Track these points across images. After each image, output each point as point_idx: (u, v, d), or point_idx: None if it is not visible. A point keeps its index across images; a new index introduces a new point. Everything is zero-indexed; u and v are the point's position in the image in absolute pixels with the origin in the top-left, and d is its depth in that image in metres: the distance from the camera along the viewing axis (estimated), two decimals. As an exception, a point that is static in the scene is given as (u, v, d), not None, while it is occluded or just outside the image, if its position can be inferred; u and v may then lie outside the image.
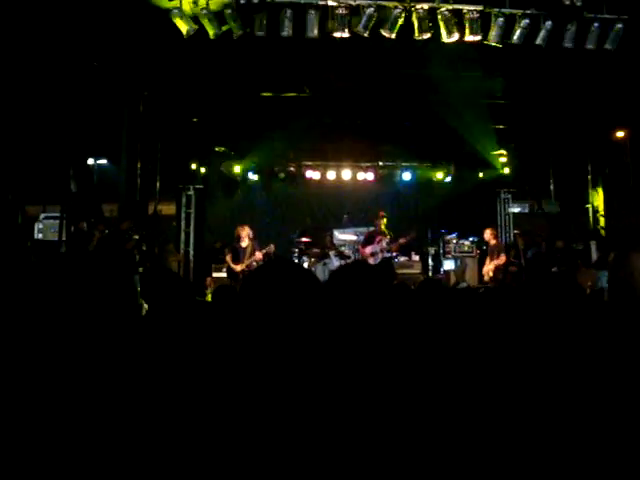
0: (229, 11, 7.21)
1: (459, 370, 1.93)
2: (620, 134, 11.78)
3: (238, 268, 9.15)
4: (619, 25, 7.58)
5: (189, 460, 1.35)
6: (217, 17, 7.35)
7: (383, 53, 8.77)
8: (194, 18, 7.34)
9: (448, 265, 11.54)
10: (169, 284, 3.02)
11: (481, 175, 13.19)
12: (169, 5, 7.29)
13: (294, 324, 1.70)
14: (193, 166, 12.49)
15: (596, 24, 7.66)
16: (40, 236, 9.88)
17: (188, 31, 7.39)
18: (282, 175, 12.64)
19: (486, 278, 9.68)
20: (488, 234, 9.95)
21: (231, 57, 8.89)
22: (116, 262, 7.38)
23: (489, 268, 9.65)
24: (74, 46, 8.08)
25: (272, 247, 9.73)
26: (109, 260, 7.24)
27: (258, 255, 9.21)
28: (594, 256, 10.17)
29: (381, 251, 9.92)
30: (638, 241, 9.13)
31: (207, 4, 7.23)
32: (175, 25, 7.43)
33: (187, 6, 7.25)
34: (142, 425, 1.42)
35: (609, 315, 2.19)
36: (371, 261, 9.82)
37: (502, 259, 9.62)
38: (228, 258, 9.48)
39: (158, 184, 11.65)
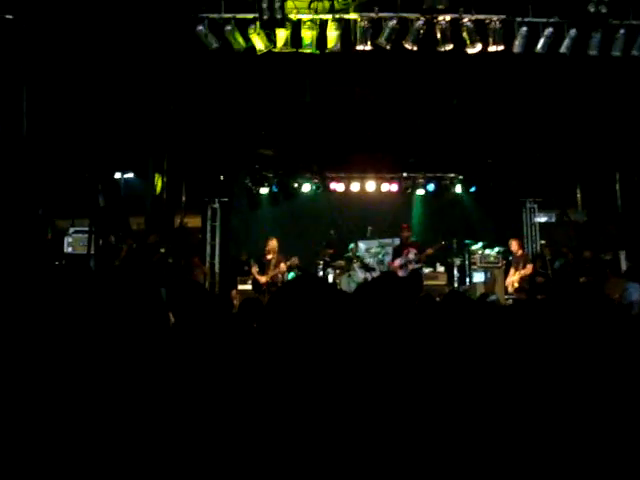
0: (252, 27, 7.31)
1: (483, 382, 1.92)
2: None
3: (262, 279, 9.22)
4: (646, 31, 7.50)
5: (209, 468, 1.37)
6: (242, 33, 7.47)
7: (407, 64, 8.79)
8: (219, 34, 7.46)
9: (477, 277, 11.41)
10: (196, 297, 3.06)
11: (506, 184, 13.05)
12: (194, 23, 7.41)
13: (320, 338, 1.71)
14: (219, 179, 12.61)
15: (622, 30, 7.57)
16: (70, 250, 10.06)
17: (213, 47, 7.52)
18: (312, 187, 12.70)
19: (510, 289, 9.59)
20: (514, 244, 9.89)
21: (255, 71, 9.00)
22: (143, 275, 7.48)
23: (514, 279, 9.57)
24: (102, 61, 8.26)
25: (295, 260, 9.81)
26: (136, 273, 7.34)
27: (282, 267, 9.29)
28: (623, 266, 9.98)
29: (409, 263, 9.90)
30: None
31: (231, 22, 7.33)
32: (201, 40, 7.57)
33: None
34: (166, 433, 1.44)
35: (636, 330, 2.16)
36: (400, 273, 9.82)
37: (528, 269, 9.53)
38: (254, 270, 9.59)
39: (184, 197, 11.81)
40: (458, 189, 13.15)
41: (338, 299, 1.75)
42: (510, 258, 10.18)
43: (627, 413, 1.68)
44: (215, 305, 3.43)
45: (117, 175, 12.98)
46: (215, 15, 7.46)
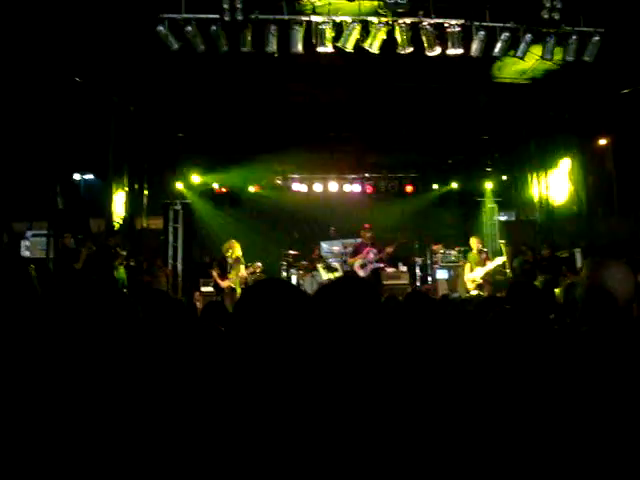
0: (214, 28, 7.27)
1: (448, 378, 1.97)
2: (602, 142, 11.97)
3: (224, 284, 9.15)
4: (596, 37, 7.73)
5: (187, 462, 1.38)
6: (202, 33, 7.41)
7: (367, 66, 8.89)
8: (180, 34, 7.39)
9: (441, 274, 11.59)
10: (159, 302, 3.04)
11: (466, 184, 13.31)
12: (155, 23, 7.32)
13: (285, 340, 1.74)
14: (180, 181, 12.50)
15: (574, 36, 7.80)
16: (27, 254, 9.82)
17: (174, 47, 7.45)
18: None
19: (470, 286, 9.73)
20: (476, 242, 10.07)
21: (217, 72, 8.96)
22: (104, 279, 7.37)
23: (475, 276, 9.72)
24: (60, 61, 8.11)
25: (259, 265, 9.78)
26: (97, 277, 7.23)
27: (243, 273, 9.24)
28: (579, 263, 10.29)
29: (370, 262, 10.01)
30: (619, 247, 9.29)
31: (192, 23, 7.27)
32: (161, 41, 7.48)
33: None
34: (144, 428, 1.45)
35: (581, 323, 2.25)
36: (361, 273, 9.92)
37: (500, 260, 9.77)
38: (215, 273, 9.49)
39: (145, 199, 11.67)
40: (419, 189, 13.33)
41: (304, 301, 1.78)
42: (467, 256, 10.33)
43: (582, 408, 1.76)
44: (178, 309, 3.41)
45: (76, 176, 12.73)
46: (176, 15, 7.38)
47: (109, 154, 10.22)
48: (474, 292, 9.62)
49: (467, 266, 10.07)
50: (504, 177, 13.30)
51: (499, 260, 9.92)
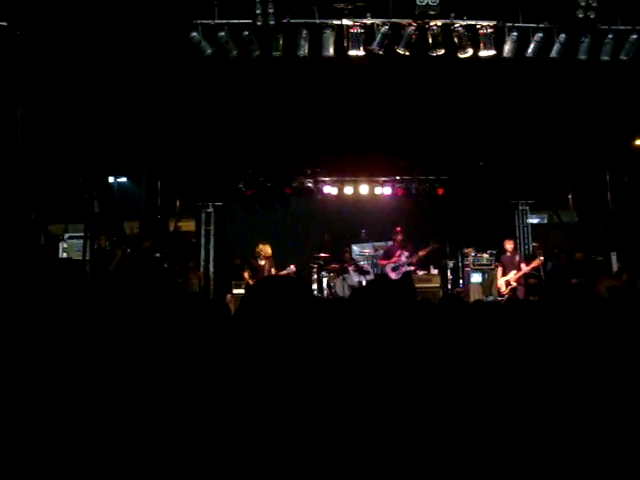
0: (247, 33, 7.35)
1: (481, 383, 1.96)
2: (639, 142, 11.72)
3: (258, 286, 9.23)
4: (634, 36, 7.58)
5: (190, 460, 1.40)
6: (235, 39, 7.51)
7: (400, 68, 8.87)
8: (213, 40, 7.50)
9: (475, 278, 11.46)
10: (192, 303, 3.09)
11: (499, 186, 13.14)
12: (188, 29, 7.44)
13: (317, 341, 1.76)
14: (213, 184, 12.63)
15: (610, 35, 7.67)
16: (65, 255, 10.06)
17: (207, 53, 7.56)
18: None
19: (504, 289, 9.61)
20: (510, 245, 9.94)
21: (249, 76, 9.04)
22: (138, 280, 7.50)
23: (509, 278, 9.60)
24: (96, 66, 8.29)
25: (292, 268, 9.85)
26: (132, 279, 7.37)
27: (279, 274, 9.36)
28: (614, 267, 10.09)
29: (402, 265, 9.99)
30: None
31: (225, 28, 7.35)
32: (195, 46, 7.60)
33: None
34: (163, 435, 1.47)
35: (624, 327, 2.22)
36: (393, 276, 9.92)
37: (536, 263, 9.64)
38: (246, 275, 9.61)
39: (178, 202, 11.83)
40: (451, 192, 13.22)
41: (308, 300, 1.78)
42: (501, 259, 10.20)
43: (619, 410, 1.74)
44: (211, 311, 3.46)
45: (110, 179, 12.99)
46: (209, 21, 7.49)
47: (144, 158, 10.39)
48: (506, 295, 9.52)
49: (499, 269, 9.96)
50: (536, 179, 13.09)
51: (536, 263, 9.75)
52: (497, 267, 10.26)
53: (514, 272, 9.60)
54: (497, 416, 1.72)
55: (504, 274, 9.74)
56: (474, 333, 3.18)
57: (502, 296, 9.55)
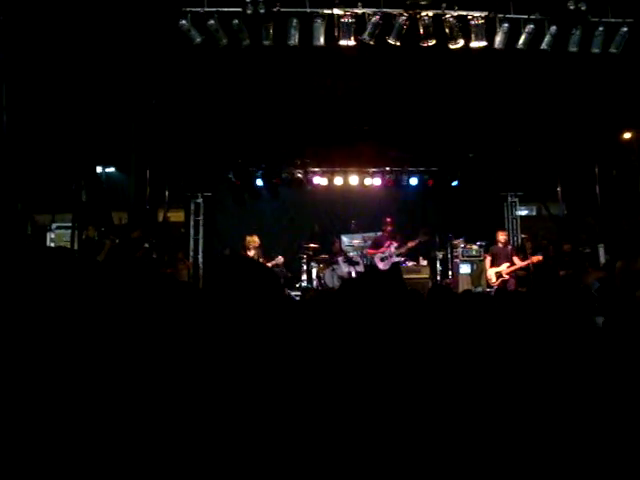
0: (236, 21, 7.29)
1: (471, 373, 1.96)
2: (627, 135, 11.80)
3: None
4: (624, 29, 7.61)
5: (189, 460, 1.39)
6: (225, 27, 7.44)
7: (390, 58, 8.85)
8: (202, 28, 7.43)
9: (464, 269, 11.49)
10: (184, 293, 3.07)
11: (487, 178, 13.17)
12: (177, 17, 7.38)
13: (306, 335, 1.74)
14: (202, 174, 12.55)
15: (601, 28, 7.69)
16: (52, 245, 9.98)
17: (196, 41, 7.49)
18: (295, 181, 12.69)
19: (495, 281, 9.58)
20: (503, 236, 9.91)
21: (238, 65, 8.97)
22: (128, 271, 7.44)
23: (501, 270, 9.56)
24: (83, 55, 8.19)
25: (281, 259, 9.85)
26: (121, 269, 7.30)
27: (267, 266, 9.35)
28: (602, 259, 10.17)
29: (390, 256, 10.00)
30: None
31: (215, 16, 7.30)
32: (184, 34, 7.53)
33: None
34: (165, 432, 1.46)
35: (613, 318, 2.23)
36: (381, 266, 9.94)
37: (535, 259, 9.60)
38: None
39: (167, 192, 11.76)
40: (441, 183, 13.23)
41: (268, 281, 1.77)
42: (491, 249, 10.17)
43: (608, 403, 1.74)
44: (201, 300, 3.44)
45: (98, 169, 12.88)
46: (198, 9, 7.41)
47: (132, 147, 10.31)
48: (496, 286, 9.53)
49: (488, 259, 9.93)
50: (525, 171, 13.13)
51: (535, 259, 9.64)
52: (485, 257, 10.22)
53: (506, 264, 9.56)
54: (487, 409, 1.72)
55: (493, 265, 9.68)
56: (463, 324, 3.19)
57: (491, 287, 9.56)
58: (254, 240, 9.80)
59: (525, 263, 9.57)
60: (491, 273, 9.65)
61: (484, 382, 1.86)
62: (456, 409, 1.61)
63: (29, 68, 7.84)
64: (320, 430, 1.42)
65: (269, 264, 9.59)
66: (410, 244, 10.10)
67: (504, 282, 9.42)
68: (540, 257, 9.75)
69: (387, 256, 10.05)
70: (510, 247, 10.03)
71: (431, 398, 1.60)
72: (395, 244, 10.07)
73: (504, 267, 9.53)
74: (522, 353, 2.37)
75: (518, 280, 9.65)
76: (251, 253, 9.70)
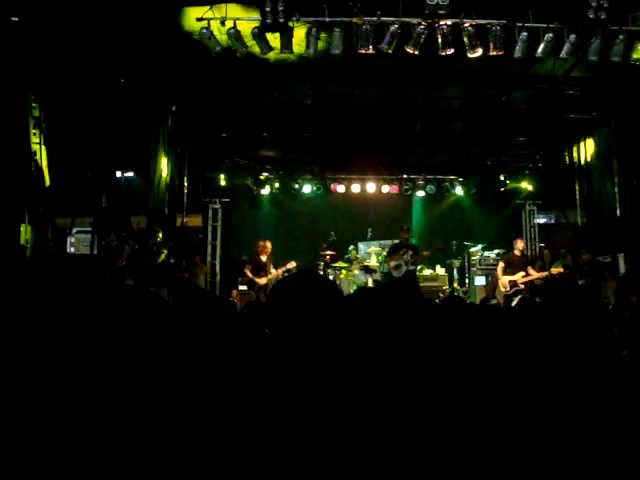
0: (255, 30, 7.36)
1: (484, 385, 1.97)
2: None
3: (263, 281, 9.34)
4: (645, 37, 7.54)
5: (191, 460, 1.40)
6: (244, 36, 7.52)
7: (407, 67, 8.87)
8: (221, 38, 7.51)
9: (479, 281, 11.41)
10: (200, 299, 3.11)
11: (506, 186, 13.10)
12: (196, 25, 7.49)
13: (320, 339, 1.76)
14: (220, 180, 12.65)
15: (621, 36, 7.62)
16: (72, 250, 10.10)
17: (216, 50, 7.58)
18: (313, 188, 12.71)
19: (509, 289, 9.50)
20: (522, 244, 9.85)
21: (258, 74, 9.06)
22: (147, 276, 7.54)
23: (515, 278, 9.49)
24: (106, 62, 8.32)
25: (293, 263, 9.90)
26: (140, 275, 7.40)
27: (275, 272, 9.45)
28: (622, 269, 10.04)
29: (405, 264, 9.99)
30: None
31: (234, 25, 7.39)
32: (203, 43, 7.63)
33: (215, 29, 7.44)
34: (167, 434, 1.48)
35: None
36: (395, 274, 9.92)
37: (548, 273, 9.55)
38: (247, 271, 9.74)
39: (185, 197, 11.86)
40: (458, 191, 13.20)
41: (334, 294, 1.78)
42: (507, 257, 10.10)
43: (622, 414, 1.74)
44: (219, 307, 3.48)
45: (117, 174, 13.03)
46: (219, 18, 7.50)
47: (151, 152, 10.43)
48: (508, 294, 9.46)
49: (500, 266, 9.85)
50: (544, 179, 13.04)
51: (547, 273, 9.60)
52: (498, 263, 10.18)
53: (522, 273, 9.49)
54: (498, 415, 1.73)
55: (507, 273, 9.62)
56: (477, 334, 3.18)
57: (505, 296, 9.49)
58: (267, 245, 9.92)
59: (543, 274, 9.50)
60: (505, 280, 9.58)
61: (492, 390, 1.87)
62: (460, 416, 1.62)
63: (52, 74, 7.99)
64: (326, 433, 1.44)
65: (280, 270, 9.67)
66: (425, 253, 10.11)
67: (518, 291, 9.36)
68: (561, 269, 9.68)
69: (401, 264, 10.04)
70: (527, 257, 9.95)
71: (436, 404, 1.62)
72: (410, 252, 10.06)
73: (519, 276, 9.47)
74: (534, 363, 2.37)
75: (534, 290, 9.57)
76: (264, 258, 9.81)
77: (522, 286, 9.43)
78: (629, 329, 2.81)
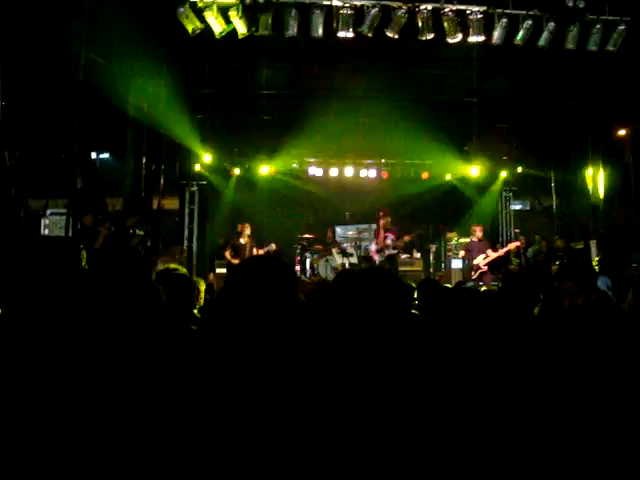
0: (234, 11, 7.26)
1: (460, 368, 1.99)
2: (621, 132, 11.85)
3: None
4: (621, 27, 7.63)
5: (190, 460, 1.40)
6: (222, 16, 7.40)
7: (388, 51, 8.85)
8: (200, 17, 7.39)
9: (456, 264, 11.54)
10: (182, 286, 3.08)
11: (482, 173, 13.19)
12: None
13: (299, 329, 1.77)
14: (195, 163, 12.51)
15: (598, 25, 7.70)
16: (47, 232, 9.93)
17: (194, 29, 7.46)
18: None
19: (474, 274, 9.67)
20: (480, 231, 10.01)
21: (236, 55, 8.95)
22: (124, 259, 7.46)
23: (479, 262, 9.64)
24: (77, 39, 8.14)
25: (273, 245, 9.91)
26: (117, 257, 7.32)
27: (260, 253, 9.43)
28: (594, 255, 10.24)
29: (386, 248, 10.06)
30: (635, 239, 9.24)
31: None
32: (181, 23, 7.50)
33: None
34: (162, 426, 1.46)
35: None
36: (376, 258, 9.99)
37: (509, 247, 9.76)
38: (227, 254, 9.73)
39: (162, 180, 11.72)
40: (434, 176, 13.22)
41: (290, 280, 1.77)
42: (466, 245, 10.34)
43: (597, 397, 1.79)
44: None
45: (92, 155, 12.81)
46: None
47: (127, 134, 10.28)
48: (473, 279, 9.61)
49: (461, 255, 10.27)
50: (520, 167, 13.15)
51: (509, 247, 9.87)
52: (459, 252, 10.51)
53: (482, 256, 9.66)
54: (474, 398, 1.75)
55: (470, 259, 9.85)
56: (452, 318, 3.22)
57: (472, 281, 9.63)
58: (246, 228, 9.91)
59: (503, 251, 9.72)
60: (479, 263, 9.77)
61: (474, 376, 1.90)
62: (448, 405, 1.64)
63: (25, 53, 7.79)
64: (318, 428, 1.44)
65: (261, 251, 9.68)
66: (406, 238, 10.22)
67: (482, 275, 9.52)
68: (518, 243, 9.92)
69: (382, 248, 10.10)
70: (485, 241, 10.05)
71: (423, 394, 1.64)
72: (392, 236, 10.13)
73: (480, 259, 9.62)
74: (507, 344, 2.42)
75: (510, 274, 9.72)
76: (243, 241, 9.80)
77: (485, 268, 9.56)
78: (568, 317, 2.88)
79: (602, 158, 11.62)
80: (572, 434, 1.70)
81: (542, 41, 7.68)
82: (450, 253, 11.72)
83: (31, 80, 8.21)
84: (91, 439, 1.40)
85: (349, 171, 12.82)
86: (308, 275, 11.13)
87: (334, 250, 11.20)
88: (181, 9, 7.35)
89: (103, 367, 1.59)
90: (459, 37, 7.62)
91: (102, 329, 1.72)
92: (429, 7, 7.47)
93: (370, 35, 7.56)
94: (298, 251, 11.26)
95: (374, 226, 10.84)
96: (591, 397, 1.80)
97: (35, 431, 1.42)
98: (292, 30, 7.49)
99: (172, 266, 3.04)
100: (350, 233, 11.95)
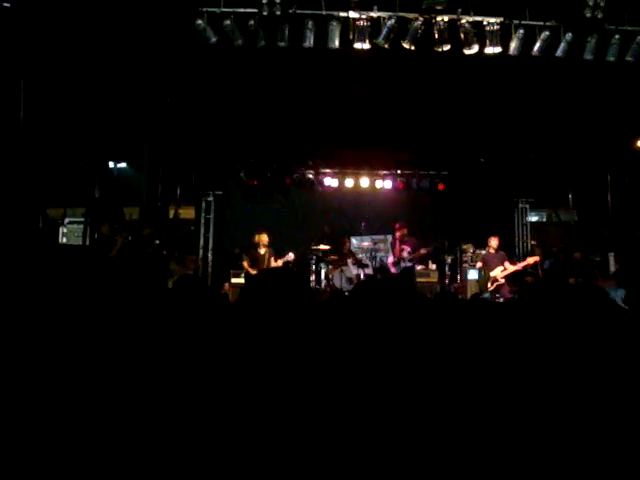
0: (252, 22, 7.33)
1: (474, 379, 1.98)
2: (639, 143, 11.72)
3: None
4: (640, 37, 7.58)
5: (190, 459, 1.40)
6: (240, 28, 7.48)
7: (404, 62, 8.85)
8: (218, 28, 7.48)
9: (472, 275, 11.46)
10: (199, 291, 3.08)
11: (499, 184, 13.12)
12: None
13: (315, 335, 1.76)
14: (212, 173, 12.60)
15: (617, 36, 7.66)
16: (65, 240, 10.05)
17: (212, 40, 7.54)
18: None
19: (490, 286, 9.56)
20: (496, 242, 9.92)
21: (253, 66, 9.01)
22: (141, 268, 7.51)
23: (496, 274, 9.54)
24: (98, 51, 8.25)
25: (291, 255, 9.92)
26: (133, 266, 7.38)
27: (278, 263, 9.43)
28: (612, 268, 10.12)
29: (402, 260, 10.05)
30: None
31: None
32: (199, 34, 7.58)
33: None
34: (166, 429, 1.47)
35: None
36: (393, 270, 9.98)
37: (528, 261, 9.66)
38: (245, 264, 9.71)
39: (179, 189, 11.82)
40: (451, 187, 13.18)
41: (303, 293, 1.78)
42: (483, 256, 10.25)
43: (617, 413, 1.75)
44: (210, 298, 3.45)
45: (110, 164, 12.95)
46: (214, 9, 7.46)
47: (145, 144, 10.37)
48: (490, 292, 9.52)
49: (478, 266, 10.21)
50: (537, 177, 13.06)
51: (528, 261, 9.74)
52: (476, 264, 10.41)
53: (500, 269, 9.57)
54: (487, 410, 1.73)
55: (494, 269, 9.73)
56: (468, 330, 3.19)
57: (488, 292, 9.54)
58: (263, 238, 9.90)
59: (520, 266, 9.61)
60: (496, 276, 9.67)
61: (484, 386, 1.88)
62: (455, 411, 1.63)
63: (47, 62, 7.91)
64: (324, 431, 1.44)
65: (280, 261, 9.68)
66: (423, 251, 10.21)
67: (499, 287, 9.43)
68: (536, 258, 9.79)
69: (398, 260, 10.11)
70: (502, 253, 9.96)
71: (433, 400, 1.62)
72: (408, 249, 10.12)
73: (498, 271, 9.52)
74: (526, 358, 2.38)
75: (527, 286, 9.63)
76: (262, 251, 9.80)
77: (502, 281, 9.47)
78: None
79: (621, 169, 11.52)
80: (576, 439, 1.67)
81: (559, 52, 7.64)
82: (466, 264, 11.64)
83: (51, 91, 8.33)
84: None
85: (365, 182, 12.83)
86: (323, 285, 11.11)
87: (349, 261, 11.18)
88: (199, 21, 7.45)
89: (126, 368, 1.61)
90: (476, 48, 7.61)
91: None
92: (445, 18, 7.48)
93: (387, 46, 7.58)
94: (313, 261, 11.26)
95: (390, 237, 10.81)
96: (606, 406, 1.77)
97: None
98: (309, 41, 7.54)
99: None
100: (365, 244, 11.91)
